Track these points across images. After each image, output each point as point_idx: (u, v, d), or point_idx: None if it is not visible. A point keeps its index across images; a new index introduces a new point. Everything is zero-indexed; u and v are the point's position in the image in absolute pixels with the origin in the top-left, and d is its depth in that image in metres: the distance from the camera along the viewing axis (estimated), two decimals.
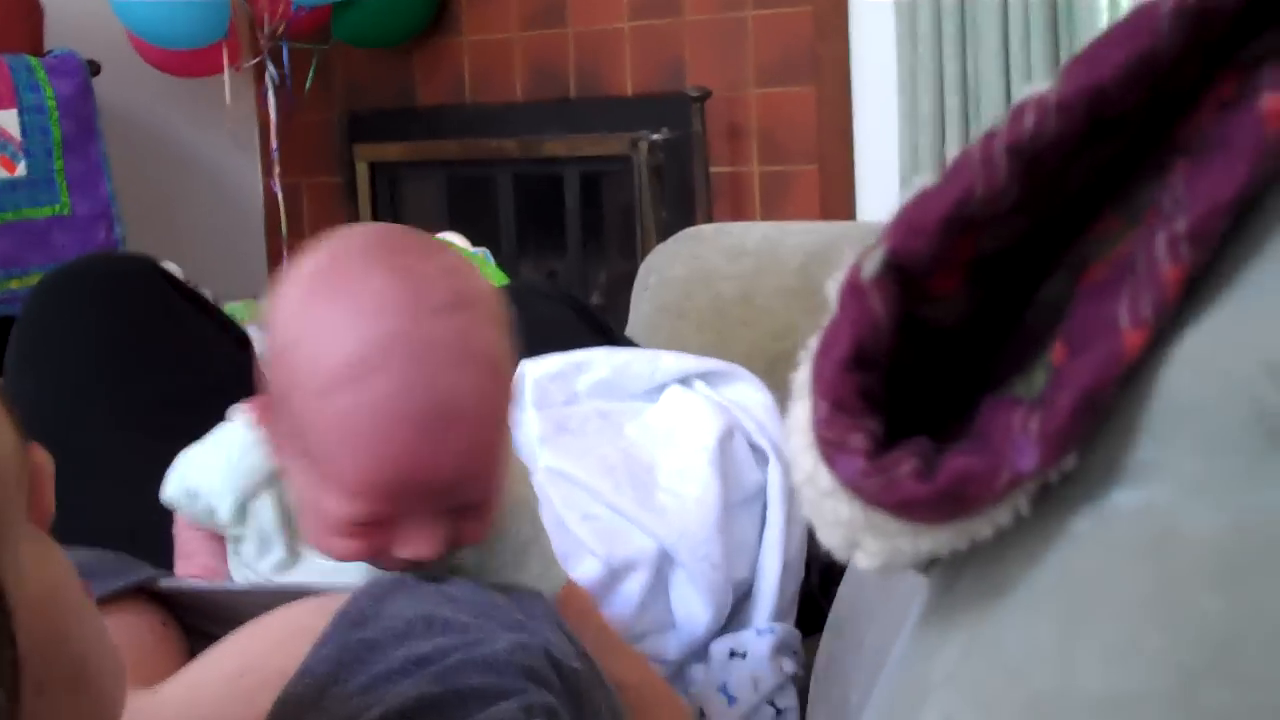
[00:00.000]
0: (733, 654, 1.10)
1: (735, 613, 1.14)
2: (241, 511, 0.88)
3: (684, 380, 1.23)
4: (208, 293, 3.05)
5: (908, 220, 0.39)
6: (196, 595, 0.88)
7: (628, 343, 1.43)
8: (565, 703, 0.76)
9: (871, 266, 0.39)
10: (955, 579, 0.41)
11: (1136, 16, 0.35)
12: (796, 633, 1.13)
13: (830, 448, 0.38)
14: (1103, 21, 2.66)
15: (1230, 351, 0.34)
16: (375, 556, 0.82)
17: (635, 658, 0.98)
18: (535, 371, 1.20)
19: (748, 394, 1.23)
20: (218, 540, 0.91)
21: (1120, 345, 0.36)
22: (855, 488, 0.37)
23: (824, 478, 0.38)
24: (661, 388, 1.23)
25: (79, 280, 1.20)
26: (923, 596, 0.45)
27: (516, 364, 0.84)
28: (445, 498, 0.80)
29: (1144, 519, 0.34)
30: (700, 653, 1.11)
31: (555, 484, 1.12)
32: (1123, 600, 0.35)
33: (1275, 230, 0.35)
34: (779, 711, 1.09)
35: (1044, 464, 0.35)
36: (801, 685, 1.10)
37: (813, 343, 0.41)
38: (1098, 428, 0.36)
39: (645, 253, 3.12)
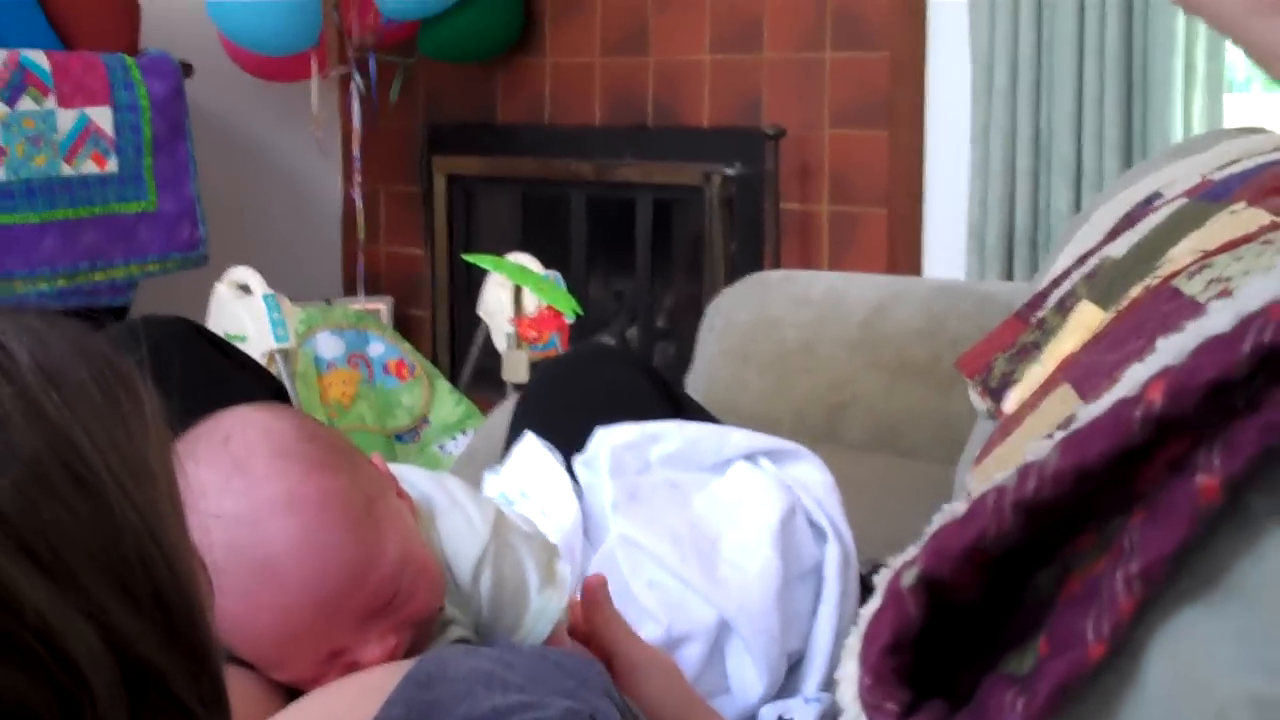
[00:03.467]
0: (780, 719, 1.16)
1: (785, 681, 1.20)
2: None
3: (750, 457, 1.30)
4: (284, 298, 3.15)
5: (937, 548, 0.51)
6: None
7: (695, 407, 1.49)
8: None
9: (909, 579, 0.51)
10: None
11: (1116, 415, 0.47)
12: None
13: (871, 709, 0.49)
14: (1177, 92, 2.69)
15: (1208, 683, 0.43)
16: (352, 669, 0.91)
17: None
18: (611, 440, 1.27)
19: (810, 474, 1.30)
20: None
21: (1086, 654, 0.50)
22: None
23: None
24: (729, 462, 1.30)
25: None
26: None
27: (364, 488, 0.93)
28: (350, 614, 0.89)
29: None
30: (751, 718, 1.17)
31: (625, 550, 1.19)
32: None
33: (1233, 567, 0.45)
34: None
35: None
36: None
37: (863, 621, 0.51)
38: (1069, 708, 0.50)
39: (712, 281, 3.19)
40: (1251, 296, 0.48)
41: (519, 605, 0.97)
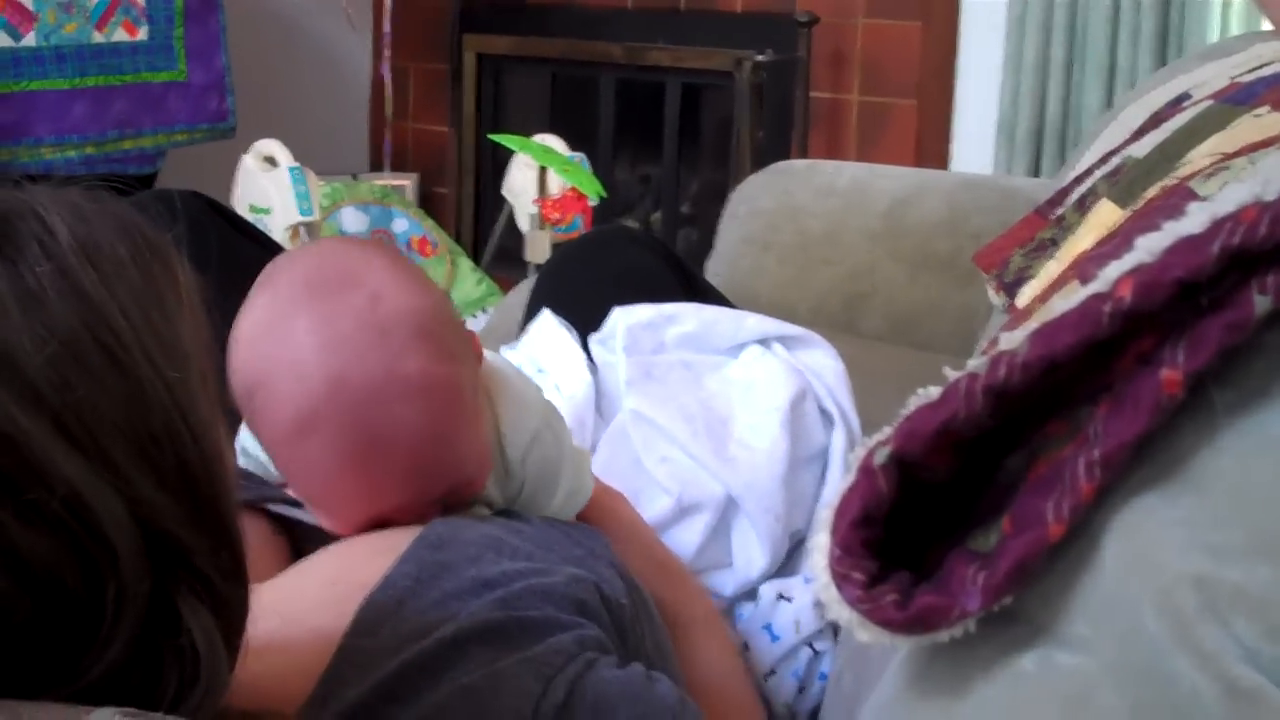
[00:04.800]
0: (780, 597, 1.19)
1: (787, 560, 1.23)
2: None
3: (763, 341, 1.31)
4: (310, 171, 3.16)
5: (909, 428, 0.54)
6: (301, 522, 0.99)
7: (712, 292, 1.50)
8: (611, 635, 0.86)
9: (881, 457, 0.53)
10: (930, 661, 0.55)
11: (1085, 309, 0.48)
12: None
13: (839, 577, 0.52)
14: None
15: (1158, 563, 0.45)
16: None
17: (672, 571, 1.09)
18: (628, 319, 1.29)
19: (821, 360, 1.31)
20: None
21: (1045, 533, 0.53)
22: (854, 606, 0.51)
23: (834, 592, 0.52)
24: (743, 346, 1.32)
25: None
26: (903, 659, 0.59)
27: (466, 352, 0.94)
28: (427, 495, 0.92)
29: (1074, 679, 0.46)
30: (751, 593, 1.20)
31: (637, 426, 1.21)
32: None
33: (1191, 457, 0.47)
34: (816, 653, 1.18)
35: (984, 606, 0.51)
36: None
37: (835, 498, 0.54)
38: (1028, 584, 0.53)
39: (738, 169, 3.18)
40: (1226, 199, 0.50)
41: (554, 486, 0.99)
